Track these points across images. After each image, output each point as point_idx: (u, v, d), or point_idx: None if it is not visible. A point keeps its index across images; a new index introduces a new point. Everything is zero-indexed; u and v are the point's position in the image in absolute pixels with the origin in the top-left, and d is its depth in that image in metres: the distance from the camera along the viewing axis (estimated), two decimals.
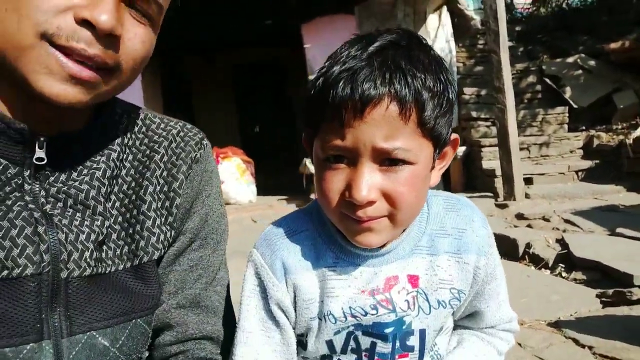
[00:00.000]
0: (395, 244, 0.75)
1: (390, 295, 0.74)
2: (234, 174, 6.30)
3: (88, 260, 0.66)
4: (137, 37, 0.63)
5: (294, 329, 0.77)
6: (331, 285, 0.74)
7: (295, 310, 0.76)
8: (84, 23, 0.57)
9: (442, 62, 0.68)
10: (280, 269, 0.75)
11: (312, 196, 6.12)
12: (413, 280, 0.75)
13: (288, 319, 0.76)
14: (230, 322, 0.84)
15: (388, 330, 0.74)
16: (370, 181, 0.64)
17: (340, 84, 0.63)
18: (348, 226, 0.70)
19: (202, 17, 6.27)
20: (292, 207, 6.18)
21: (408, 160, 0.65)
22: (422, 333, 0.75)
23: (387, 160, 0.64)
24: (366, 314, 0.73)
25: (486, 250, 0.77)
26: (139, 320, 0.72)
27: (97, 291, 0.68)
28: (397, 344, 0.74)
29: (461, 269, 0.76)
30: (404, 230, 0.76)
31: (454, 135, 0.73)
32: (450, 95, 0.67)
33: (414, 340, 0.75)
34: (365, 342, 0.75)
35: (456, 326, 0.87)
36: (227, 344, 0.82)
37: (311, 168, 6.03)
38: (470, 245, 0.76)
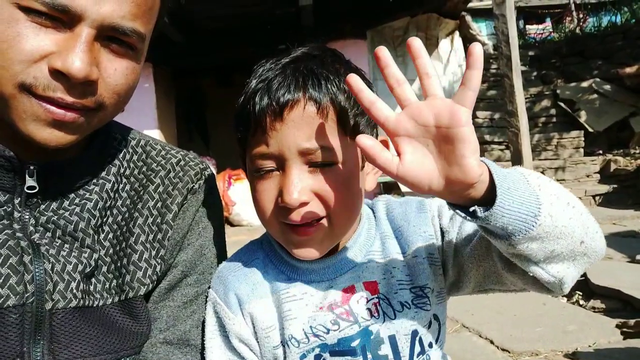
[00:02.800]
0: (343, 252, 0.74)
1: (350, 307, 0.72)
2: (247, 196, 6.31)
3: (74, 291, 0.64)
4: (119, 72, 0.62)
5: None
6: (287, 307, 0.72)
7: (257, 342, 0.74)
8: (58, 73, 0.57)
9: (359, 70, 0.70)
10: (235, 301, 0.74)
11: None
12: (371, 287, 0.73)
13: (253, 352, 0.74)
14: None
15: (354, 344, 0.71)
16: (300, 183, 0.65)
17: (258, 95, 0.67)
18: (288, 238, 0.70)
19: (217, 39, 6.41)
20: None
21: (333, 160, 0.66)
22: (392, 340, 0.72)
23: (313, 163, 0.66)
24: (328, 331, 0.71)
25: (427, 220, 0.75)
26: (127, 359, 0.69)
27: (83, 325, 0.65)
28: (369, 356, 0.71)
29: (416, 265, 0.74)
30: (350, 238, 0.75)
31: (382, 138, 0.71)
32: None
33: (385, 349, 0.71)
34: None
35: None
36: None
37: None
38: (412, 238, 0.75)
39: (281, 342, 0.73)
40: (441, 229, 0.75)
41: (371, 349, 0.71)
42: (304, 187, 0.66)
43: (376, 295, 0.73)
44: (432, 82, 0.58)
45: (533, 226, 0.55)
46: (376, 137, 0.72)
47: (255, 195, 0.71)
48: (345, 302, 0.72)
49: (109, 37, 0.60)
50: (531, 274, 0.60)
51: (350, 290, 0.73)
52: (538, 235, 0.56)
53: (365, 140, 0.57)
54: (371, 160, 0.58)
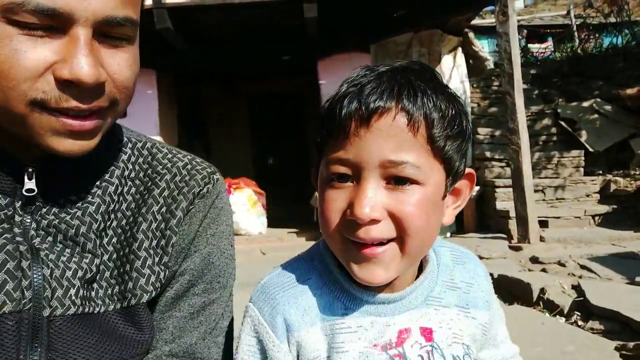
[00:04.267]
0: (409, 290, 0.70)
1: (404, 350, 0.68)
2: (245, 205, 6.31)
3: (73, 298, 0.62)
4: (123, 64, 0.61)
5: None
6: (340, 339, 0.67)
7: None
8: (67, 82, 0.55)
9: (456, 96, 0.66)
10: (282, 326, 0.68)
11: None
12: (426, 333, 0.69)
13: None
14: None
15: None
16: (374, 198, 0.60)
17: (347, 98, 0.62)
18: (351, 256, 0.64)
19: (222, 48, 6.45)
20: (301, 240, 6.12)
21: (417, 179, 0.61)
22: None
23: (393, 178, 0.61)
24: None
25: (490, 304, 0.76)
26: None
27: (82, 333, 0.63)
28: None
29: (469, 324, 0.73)
30: (417, 277, 0.71)
31: (470, 170, 0.70)
32: (464, 124, 0.64)
33: None
34: None
35: None
36: None
37: None
38: (477, 301, 0.74)
39: None
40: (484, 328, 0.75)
41: None
42: (377, 203, 0.60)
43: (430, 344, 0.69)
44: None
45: None
46: (464, 168, 0.67)
47: (322, 204, 0.66)
48: (400, 344, 0.68)
49: (103, 33, 0.59)
50: None
51: (406, 332, 0.69)
52: None
53: None
54: None
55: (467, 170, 0.69)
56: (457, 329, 0.71)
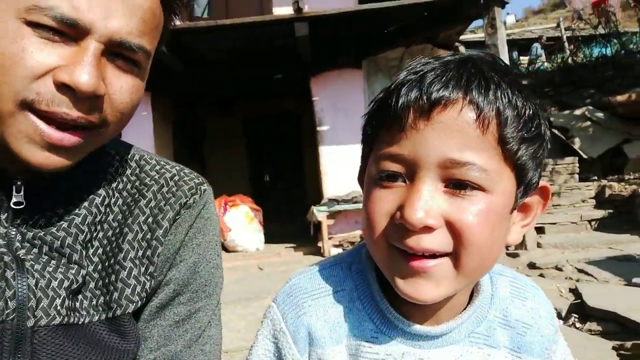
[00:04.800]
0: (453, 325, 0.59)
1: None
2: (242, 222, 6.31)
3: (58, 308, 0.61)
4: (124, 89, 0.61)
5: None
6: None
7: None
8: (64, 86, 0.55)
9: (532, 94, 0.56)
10: (305, 338, 0.61)
11: (320, 244, 6.06)
12: None
13: None
14: None
15: None
16: (430, 201, 0.51)
17: (406, 86, 0.53)
18: (396, 268, 0.54)
19: (216, 69, 6.54)
20: (299, 255, 6.10)
21: (482, 184, 0.51)
22: None
23: (454, 182, 0.51)
24: None
25: (550, 351, 0.64)
26: None
27: (67, 343, 0.62)
28: None
29: None
30: (464, 309, 0.61)
31: (544, 183, 0.58)
32: (542, 128, 0.54)
33: None
34: None
35: None
36: None
37: (318, 216, 6.03)
38: (533, 346, 0.63)
39: None
40: None
41: None
42: (433, 208, 0.51)
43: None
44: None
45: None
46: (538, 179, 0.57)
47: (367, 205, 0.57)
48: None
49: (115, 53, 0.59)
50: None
51: None
52: None
53: None
54: None
55: (541, 183, 0.58)
56: None
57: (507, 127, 0.51)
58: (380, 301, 0.61)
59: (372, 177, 0.57)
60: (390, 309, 0.60)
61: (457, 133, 0.51)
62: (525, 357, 0.62)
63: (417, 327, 0.59)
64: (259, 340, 0.64)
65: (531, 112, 0.53)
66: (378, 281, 0.61)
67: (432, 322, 0.60)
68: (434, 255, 0.52)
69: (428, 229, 0.51)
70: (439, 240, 0.52)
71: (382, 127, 0.56)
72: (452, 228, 0.52)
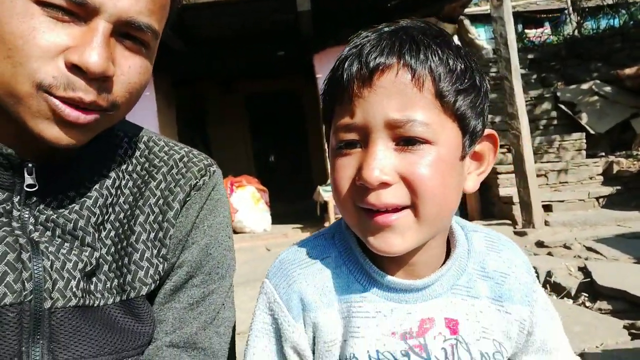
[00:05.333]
0: (434, 277, 0.64)
1: (425, 341, 0.62)
2: (249, 203, 6.31)
3: (74, 289, 0.62)
4: (133, 69, 0.61)
5: None
6: (356, 323, 0.63)
7: (313, 353, 0.65)
8: (75, 68, 0.56)
9: (467, 51, 0.62)
10: (298, 305, 0.65)
11: (326, 224, 6.08)
12: (452, 325, 0.64)
13: None
14: None
15: None
16: (383, 160, 0.56)
17: (348, 60, 0.59)
18: (365, 227, 0.60)
19: (217, 47, 6.44)
20: (306, 235, 6.09)
21: (427, 138, 0.56)
22: None
23: (403, 139, 0.57)
24: None
25: (530, 299, 0.68)
26: (129, 359, 0.67)
27: (83, 325, 0.63)
28: None
29: (502, 318, 0.66)
30: (443, 264, 0.66)
31: (490, 131, 0.64)
32: (477, 79, 0.60)
33: None
34: None
35: None
36: None
37: (324, 195, 6.03)
38: (513, 294, 0.67)
39: (339, 357, 0.64)
40: (531, 317, 0.69)
41: None
42: (387, 165, 0.56)
43: (455, 337, 0.63)
44: None
45: None
46: (483, 127, 0.62)
47: (333, 174, 0.63)
48: (421, 334, 0.63)
49: (123, 33, 0.59)
50: None
51: (429, 322, 0.63)
52: None
53: None
54: None
55: (488, 131, 0.64)
56: (486, 322, 0.65)
57: (441, 82, 0.57)
58: (363, 262, 0.66)
59: (333, 148, 0.63)
60: (373, 267, 0.65)
61: (397, 94, 0.56)
62: (507, 304, 0.67)
63: (401, 281, 0.64)
64: (256, 315, 0.68)
65: (463, 66, 0.58)
66: (359, 246, 0.66)
67: (414, 278, 0.65)
68: (396, 210, 0.58)
69: (385, 185, 0.57)
70: (397, 194, 0.57)
71: (335, 102, 0.61)
72: (406, 181, 0.57)
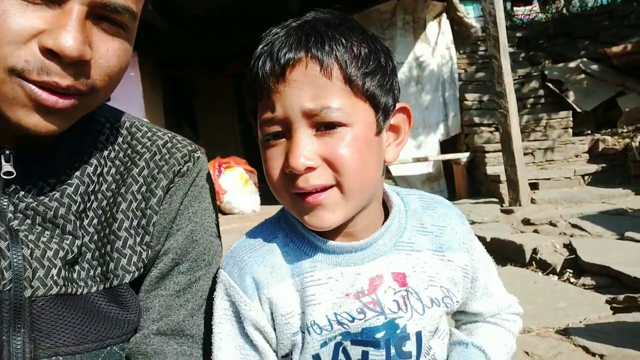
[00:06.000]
0: (375, 237, 0.71)
1: (377, 296, 0.68)
2: (237, 184, 6.28)
3: (55, 278, 0.61)
4: (111, 52, 0.60)
5: (275, 351, 0.71)
6: (311, 292, 0.68)
7: (274, 329, 0.69)
8: (50, 53, 0.54)
9: (371, 34, 0.68)
10: (252, 285, 0.69)
11: None
12: (400, 278, 0.70)
13: (268, 341, 0.70)
14: None
15: (379, 335, 0.68)
16: (306, 147, 0.62)
17: (261, 58, 0.65)
18: (300, 209, 0.66)
19: (203, 28, 6.31)
20: None
21: (342, 121, 0.62)
22: (419, 336, 0.69)
23: (322, 125, 0.63)
24: (353, 319, 0.67)
25: (468, 246, 0.76)
26: (114, 347, 0.66)
27: (66, 313, 0.62)
28: (392, 350, 0.68)
29: (446, 267, 0.73)
30: (383, 224, 0.72)
31: (403, 104, 0.71)
32: (381, 60, 0.66)
33: (410, 346, 0.69)
34: (355, 352, 0.68)
35: (458, 323, 0.84)
36: None
37: None
38: (451, 243, 0.74)
39: (300, 328, 0.69)
40: (472, 261, 0.76)
41: (395, 344, 0.68)
42: (310, 151, 0.62)
43: (404, 288, 0.69)
44: None
45: None
46: (394, 103, 0.69)
47: (264, 165, 0.68)
48: (373, 291, 0.68)
49: (100, 15, 0.57)
50: None
51: (378, 279, 0.69)
52: None
53: None
54: None
55: (400, 104, 0.70)
56: (432, 272, 0.71)
57: (348, 69, 0.62)
58: (307, 235, 0.71)
59: (261, 141, 0.68)
60: (316, 236, 0.70)
61: (309, 85, 0.62)
62: (448, 253, 0.74)
63: (346, 245, 0.70)
64: (216, 304, 0.71)
65: (367, 50, 0.64)
66: (302, 225, 0.72)
67: (355, 240, 0.71)
68: (324, 190, 0.64)
69: (310, 169, 0.63)
70: (322, 175, 0.64)
71: (256, 99, 0.67)
72: (329, 163, 0.63)
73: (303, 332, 0.68)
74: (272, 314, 0.69)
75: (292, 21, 0.67)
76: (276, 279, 0.69)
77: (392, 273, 0.70)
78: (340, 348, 0.68)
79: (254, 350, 0.70)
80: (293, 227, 0.73)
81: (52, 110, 0.56)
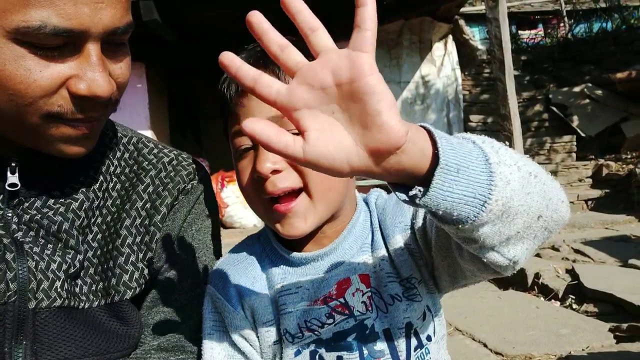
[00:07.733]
0: (337, 242, 0.73)
1: (345, 300, 0.70)
2: (239, 198, 6.28)
3: (59, 290, 0.62)
4: (123, 66, 0.63)
5: None
6: (282, 302, 0.71)
7: (257, 337, 0.72)
8: (83, 97, 0.57)
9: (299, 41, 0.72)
10: (235, 295, 0.72)
11: None
12: (365, 279, 0.71)
13: (253, 347, 0.72)
14: None
15: (351, 338, 0.69)
16: (270, 153, 0.64)
17: (226, 83, 0.72)
18: (272, 218, 0.70)
19: (210, 40, 6.38)
20: None
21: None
22: (387, 334, 0.69)
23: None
24: (323, 325, 0.69)
25: (405, 225, 0.71)
26: None
27: (68, 326, 0.63)
28: (365, 351, 0.68)
29: (397, 256, 0.72)
30: (345, 229, 0.74)
31: None
32: None
33: (381, 345, 0.69)
34: (330, 358, 0.69)
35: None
36: None
37: None
38: (391, 229, 0.73)
39: (278, 338, 0.71)
40: (413, 217, 0.72)
41: (367, 345, 0.69)
42: (275, 156, 0.64)
43: (369, 289, 0.71)
44: (320, 35, 0.47)
45: (482, 212, 0.46)
46: None
47: (237, 177, 0.73)
48: (341, 295, 0.70)
49: (107, 41, 0.60)
50: (485, 260, 0.53)
51: (345, 282, 0.71)
52: (489, 219, 0.47)
53: (252, 125, 0.44)
54: (267, 148, 0.45)
55: None
56: (389, 267, 0.72)
57: None
58: (276, 247, 0.74)
59: (235, 157, 0.73)
60: (284, 249, 0.74)
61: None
62: (393, 243, 0.72)
63: (310, 254, 0.72)
64: (205, 317, 0.74)
65: None
66: (275, 236, 0.76)
67: (319, 248, 0.73)
68: (293, 197, 0.68)
69: (277, 172, 0.67)
70: (289, 178, 0.67)
71: (225, 116, 0.74)
72: (293, 166, 0.67)
73: (281, 342, 0.70)
74: (254, 322, 0.72)
75: (256, 45, 0.70)
76: (256, 289, 0.73)
77: (358, 275, 0.71)
78: (317, 356, 0.69)
79: (243, 357, 0.72)
80: (269, 241, 0.77)
81: (88, 135, 0.60)
